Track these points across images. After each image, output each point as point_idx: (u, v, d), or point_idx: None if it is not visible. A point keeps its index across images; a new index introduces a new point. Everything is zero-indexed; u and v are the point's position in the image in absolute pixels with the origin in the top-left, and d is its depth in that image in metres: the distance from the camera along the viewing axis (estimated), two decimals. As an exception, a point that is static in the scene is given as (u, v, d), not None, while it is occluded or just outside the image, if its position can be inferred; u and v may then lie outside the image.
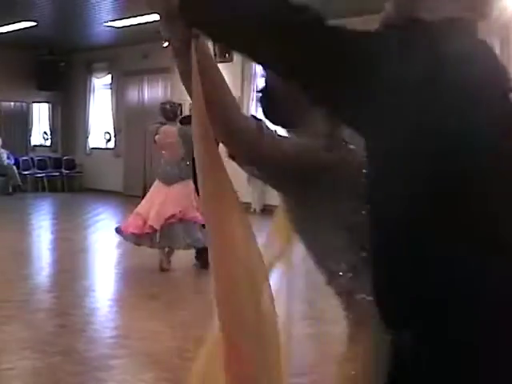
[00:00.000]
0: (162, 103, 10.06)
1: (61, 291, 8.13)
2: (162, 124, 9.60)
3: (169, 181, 9.32)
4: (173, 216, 8.99)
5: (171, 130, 9.47)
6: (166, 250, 9.13)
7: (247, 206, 15.74)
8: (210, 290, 6.26)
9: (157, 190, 9.51)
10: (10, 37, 16.97)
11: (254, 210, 15.63)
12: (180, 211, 9.02)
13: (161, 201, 9.20)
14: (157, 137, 9.49)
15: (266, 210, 15.47)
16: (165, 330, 6.34)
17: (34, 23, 15.40)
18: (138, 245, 9.22)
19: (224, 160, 2.16)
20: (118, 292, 8.51)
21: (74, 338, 6.11)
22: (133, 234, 9.09)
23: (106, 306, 7.57)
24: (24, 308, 7.19)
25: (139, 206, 9.53)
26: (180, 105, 10.25)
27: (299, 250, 2.47)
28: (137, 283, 8.51)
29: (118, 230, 9.51)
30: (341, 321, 6.36)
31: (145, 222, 9.06)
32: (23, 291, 7.92)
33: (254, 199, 15.72)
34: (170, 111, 9.67)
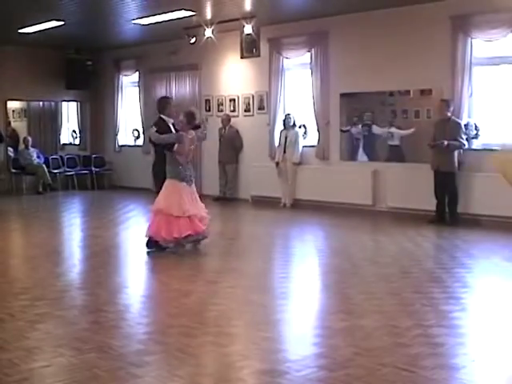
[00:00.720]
0: (191, 111, 10.87)
1: (94, 288, 8.13)
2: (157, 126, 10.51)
3: (191, 182, 10.58)
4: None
5: (192, 136, 10.46)
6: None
7: (277, 200, 15.70)
8: (241, 286, 6.18)
9: (186, 190, 10.36)
10: (37, 36, 17.05)
11: (284, 205, 15.57)
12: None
13: (191, 199, 10.43)
14: (180, 146, 10.25)
15: (296, 205, 15.43)
16: (198, 326, 6.32)
17: (61, 22, 15.44)
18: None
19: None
20: (151, 288, 8.49)
21: (108, 334, 6.09)
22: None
23: (140, 302, 7.57)
24: (57, 306, 7.20)
25: (182, 206, 10.15)
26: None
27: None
28: (169, 279, 8.49)
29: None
30: (372, 314, 6.37)
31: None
32: (56, 289, 7.94)
33: (284, 194, 15.66)
34: (195, 118, 10.65)
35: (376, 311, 6.80)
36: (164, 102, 10.98)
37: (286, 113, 15.86)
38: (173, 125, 10.63)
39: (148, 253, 10.27)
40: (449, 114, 12.54)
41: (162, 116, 10.73)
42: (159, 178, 10.61)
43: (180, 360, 5.42)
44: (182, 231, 10.03)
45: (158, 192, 10.51)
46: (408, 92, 13.87)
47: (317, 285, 8.54)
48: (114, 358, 5.42)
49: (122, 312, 7.02)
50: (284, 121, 15.71)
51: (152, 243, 10.35)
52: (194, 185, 10.67)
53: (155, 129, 10.43)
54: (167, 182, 10.30)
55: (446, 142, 12.32)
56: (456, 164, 12.57)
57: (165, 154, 10.34)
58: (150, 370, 5.20)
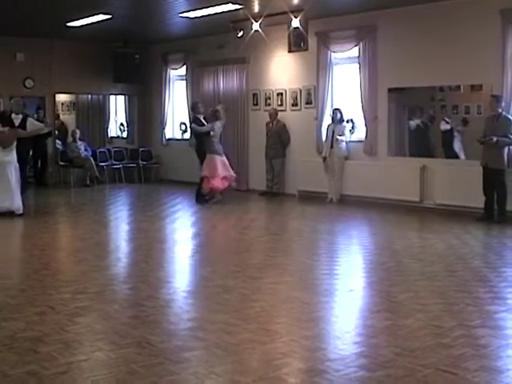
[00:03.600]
0: (216, 109, 15.92)
1: (136, 282, 8.13)
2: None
3: (222, 154, 15.59)
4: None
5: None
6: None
7: (324, 195, 15.60)
8: (283, 282, 6.11)
9: (219, 159, 15.43)
10: (85, 30, 17.15)
11: (331, 200, 15.46)
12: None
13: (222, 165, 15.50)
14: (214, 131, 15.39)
15: (343, 201, 15.31)
16: (238, 323, 6.27)
17: (109, 16, 15.51)
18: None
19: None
20: (193, 283, 8.46)
21: (147, 329, 6.06)
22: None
23: (181, 298, 7.53)
24: (98, 299, 7.20)
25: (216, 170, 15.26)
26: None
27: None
28: (212, 275, 8.44)
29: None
30: (416, 313, 6.27)
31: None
32: (99, 282, 7.96)
33: (331, 189, 15.55)
34: (219, 114, 15.72)
35: (419, 310, 6.69)
36: (195, 105, 16.38)
37: (334, 107, 15.75)
38: (204, 118, 15.79)
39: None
40: (499, 110, 12.31)
41: (195, 115, 16.11)
42: (201, 155, 15.60)
43: (219, 357, 5.37)
44: (215, 186, 15.21)
45: (201, 163, 15.51)
46: (458, 87, 13.68)
47: (360, 282, 8.44)
48: (152, 354, 5.39)
49: (162, 307, 6.99)
50: (332, 115, 15.61)
51: (199, 198, 15.45)
52: (224, 155, 15.49)
53: (194, 124, 15.93)
54: (208, 156, 15.29)
55: (494, 139, 12.11)
56: (506, 161, 12.34)
57: (203, 139, 15.48)
58: (187, 366, 5.15)
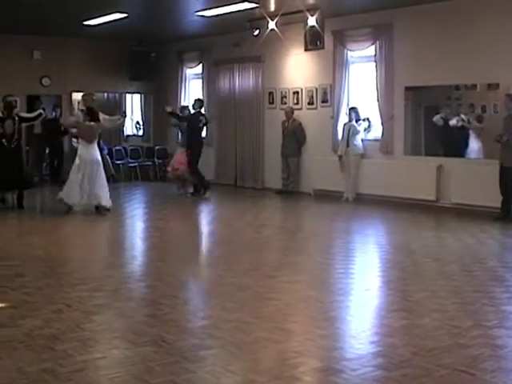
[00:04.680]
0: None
1: (152, 280, 8.16)
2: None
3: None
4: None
5: None
6: None
7: (339, 194, 15.57)
8: (299, 281, 6.10)
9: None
10: (101, 29, 17.19)
11: (347, 199, 15.43)
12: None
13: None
14: None
15: (359, 200, 15.28)
16: (254, 321, 6.26)
17: (125, 15, 15.54)
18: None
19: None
20: (209, 282, 8.44)
21: (164, 327, 6.07)
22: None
23: (197, 296, 7.56)
24: (115, 297, 7.21)
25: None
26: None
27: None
28: (227, 273, 8.44)
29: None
30: (432, 313, 6.23)
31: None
32: (115, 280, 7.97)
33: (347, 188, 15.52)
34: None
35: (436, 310, 6.66)
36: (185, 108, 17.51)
37: (350, 106, 15.72)
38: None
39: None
40: (515, 109, 12.28)
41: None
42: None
43: (235, 355, 5.38)
44: None
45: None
46: (475, 86, 13.63)
47: (376, 281, 8.42)
48: (169, 352, 5.39)
49: (179, 305, 7.00)
50: (348, 114, 15.58)
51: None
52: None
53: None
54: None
55: (505, 137, 12.06)
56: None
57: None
58: (204, 364, 5.15)
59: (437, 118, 14.21)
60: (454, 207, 13.66)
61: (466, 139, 13.87)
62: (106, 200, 13.34)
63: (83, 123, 13.29)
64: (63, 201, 13.27)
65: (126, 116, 16.61)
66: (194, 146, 16.34)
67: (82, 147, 13.37)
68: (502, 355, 5.39)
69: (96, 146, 13.50)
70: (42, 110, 15.11)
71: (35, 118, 14.96)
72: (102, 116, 13.66)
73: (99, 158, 13.47)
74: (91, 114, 13.51)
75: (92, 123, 13.30)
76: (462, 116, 13.56)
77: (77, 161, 13.30)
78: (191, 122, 16.42)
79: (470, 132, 13.80)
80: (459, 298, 7.13)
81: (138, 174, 20.52)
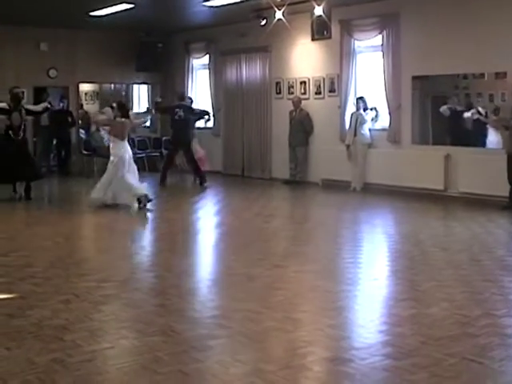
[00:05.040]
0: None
1: (160, 271, 8.16)
2: None
3: None
4: None
5: None
6: None
7: (347, 184, 15.55)
8: (307, 271, 6.11)
9: None
10: (108, 19, 17.16)
11: (354, 189, 15.40)
12: None
13: None
14: None
15: (366, 189, 15.26)
16: (262, 311, 6.27)
17: (131, 5, 15.49)
18: None
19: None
20: (217, 272, 8.45)
21: (172, 317, 6.08)
22: None
23: (205, 286, 7.53)
24: (123, 287, 7.22)
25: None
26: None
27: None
28: (236, 263, 8.45)
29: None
30: (441, 302, 6.22)
31: None
32: (123, 271, 7.98)
33: (355, 178, 15.49)
34: None
35: (444, 299, 6.65)
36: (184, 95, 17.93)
37: (358, 95, 15.69)
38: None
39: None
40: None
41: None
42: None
43: (243, 345, 5.38)
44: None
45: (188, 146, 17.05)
46: (482, 75, 13.58)
47: (384, 271, 8.41)
48: (177, 342, 5.40)
49: (187, 295, 7.01)
50: (355, 103, 15.55)
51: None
52: None
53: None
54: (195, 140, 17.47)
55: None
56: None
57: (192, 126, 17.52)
58: (212, 354, 5.17)
59: (443, 109, 14.12)
60: (462, 196, 13.63)
61: (474, 128, 13.81)
62: (128, 197, 12.86)
63: (116, 120, 13.05)
64: (92, 200, 13.00)
65: (153, 114, 16.67)
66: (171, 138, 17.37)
67: (114, 145, 12.97)
68: (510, 344, 5.39)
69: (127, 142, 13.25)
70: (47, 104, 15.13)
71: (42, 112, 14.98)
72: (130, 112, 13.69)
73: (131, 154, 13.21)
74: (122, 109, 13.35)
75: (123, 119, 13.06)
76: (479, 109, 13.24)
77: (113, 160, 12.87)
78: (169, 114, 17.24)
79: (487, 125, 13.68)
80: (468, 288, 7.11)
81: (146, 164, 20.48)
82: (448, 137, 14.36)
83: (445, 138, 14.40)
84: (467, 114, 13.39)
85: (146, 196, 12.83)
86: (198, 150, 17.58)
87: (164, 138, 21.03)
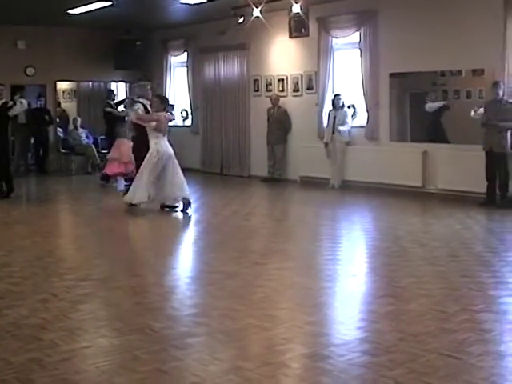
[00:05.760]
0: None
1: (139, 269, 8.15)
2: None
3: None
4: None
5: None
6: None
7: (326, 181, 15.57)
8: (286, 268, 6.11)
9: None
10: (86, 17, 17.07)
11: (333, 186, 15.42)
12: None
13: None
14: None
15: (345, 186, 15.29)
16: (241, 308, 6.27)
17: (109, 3, 15.43)
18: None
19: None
20: (196, 270, 8.45)
21: (151, 316, 6.07)
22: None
23: (184, 284, 7.53)
24: (102, 286, 7.21)
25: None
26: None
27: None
28: (215, 261, 8.45)
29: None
30: (419, 298, 6.24)
31: None
32: (102, 269, 7.96)
33: (333, 175, 15.51)
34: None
35: (423, 295, 6.68)
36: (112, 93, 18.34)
37: (335, 93, 15.71)
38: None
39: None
40: (500, 95, 12.30)
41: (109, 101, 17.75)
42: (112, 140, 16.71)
43: (222, 343, 5.38)
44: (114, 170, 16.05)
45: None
46: (460, 72, 13.63)
47: (363, 267, 8.44)
48: (156, 340, 5.39)
49: (166, 294, 6.99)
50: (333, 101, 15.56)
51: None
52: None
53: (110, 109, 17.56)
54: (119, 140, 16.07)
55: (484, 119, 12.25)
56: (509, 145, 12.33)
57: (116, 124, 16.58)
58: (191, 352, 5.17)
59: (429, 106, 14.08)
60: (440, 193, 13.69)
61: (450, 124, 13.86)
62: (175, 198, 12.27)
63: (161, 115, 12.21)
64: (130, 204, 12.25)
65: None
66: None
67: (157, 141, 12.02)
68: (488, 339, 5.41)
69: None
70: (11, 103, 14.77)
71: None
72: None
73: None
74: (165, 102, 12.78)
75: (165, 113, 12.43)
76: (481, 110, 13.06)
77: (155, 156, 11.95)
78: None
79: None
80: (446, 283, 7.15)
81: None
82: (425, 133, 14.41)
83: (422, 134, 14.45)
84: (472, 114, 13.20)
85: (188, 199, 12.28)
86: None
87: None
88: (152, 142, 12.06)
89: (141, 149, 12.27)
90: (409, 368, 4.75)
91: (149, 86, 13.51)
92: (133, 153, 13.36)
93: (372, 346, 5.21)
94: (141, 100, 12.92)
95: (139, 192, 11.93)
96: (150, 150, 11.97)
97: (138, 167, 12.35)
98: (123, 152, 15.28)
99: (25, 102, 15.13)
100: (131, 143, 13.85)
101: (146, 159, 11.94)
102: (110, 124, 17.03)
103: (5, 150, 13.90)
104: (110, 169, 16.00)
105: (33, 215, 12.49)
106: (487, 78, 12.85)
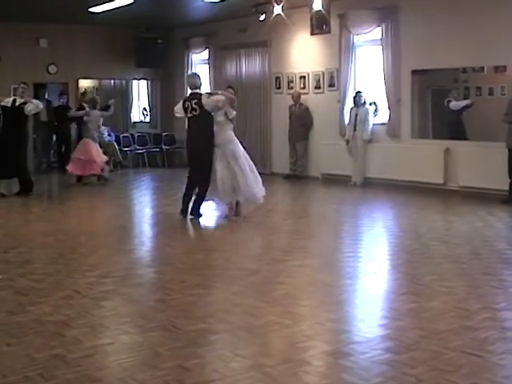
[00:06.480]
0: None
1: (161, 266, 8.18)
2: None
3: None
4: None
5: None
6: None
7: (347, 178, 15.55)
8: (308, 265, 6.10)
9: None
10: (108, 15, 17.11)
11: (354, 183, 15.40)
12: None
13: None
14: None
15: (367, 183, 15.26)
16: (263, 305, 6.28)
17: (131, 1, 15.46)
18: None
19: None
20: (218, 267, 8.42)
21: (173, 312, 6.09)
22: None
23: (206, 281, 7.53)
24: (124, 283, 7.23)
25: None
26: None
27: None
28: (236, 258, 8.46)
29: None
30: (441, 296, 6.21)
31: None
32: (123, 266, 7.99)
33: (355, 172, 15.49)
34: None
35: (444, 293, 6.66)
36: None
37: (357, 90, 15.68)
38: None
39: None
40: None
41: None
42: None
43: (244, 340, 5.39)
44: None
45: None
46: (482, 68, 13.57)
47: (385, 265, 8.42)
48: (178, 337, 5.40)
49: (187, 290, 6.97)
50: (354, 98, 15.53)
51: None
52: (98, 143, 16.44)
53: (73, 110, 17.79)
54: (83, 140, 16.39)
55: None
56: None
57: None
58: (212, 349, 5.18)
59: (454, 104, 13.97)
60: (462, 190, 13.63)
61: (473, 121, 13.80)
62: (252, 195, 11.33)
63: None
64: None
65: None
66: None
67: (231, 133, 11.45)
68: (510, 337, 5.39)
69: None
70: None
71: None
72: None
73: None
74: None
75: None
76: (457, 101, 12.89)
77: (238, 151, 11.30)
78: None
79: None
80: (467, 281, 7.12)
81: (146, 160, 20.50)
82: (447, 130, 14.35)
83: (444, 131, 14.39)
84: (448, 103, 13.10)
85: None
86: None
87: (164, 134, 21.04)
88: (230, 135, 11.38)
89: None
90: (431, 366, 4.73)
91: (198, 77, 12.65)
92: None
93: (394, 344, 5.20)
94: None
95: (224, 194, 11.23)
96: (236, 141, 11.34)
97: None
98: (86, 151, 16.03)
99: (36, 101, 14.86)
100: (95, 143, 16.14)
101: (243, 151, 11.32)
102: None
103: (21, 147, 13.89)
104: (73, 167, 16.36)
105: (54, 212, 12.56)
106: (509, 74, 12.79)
